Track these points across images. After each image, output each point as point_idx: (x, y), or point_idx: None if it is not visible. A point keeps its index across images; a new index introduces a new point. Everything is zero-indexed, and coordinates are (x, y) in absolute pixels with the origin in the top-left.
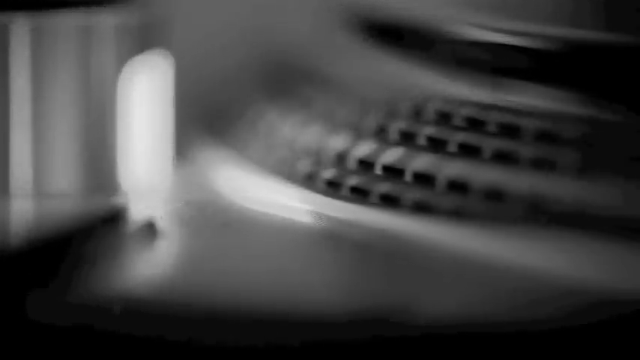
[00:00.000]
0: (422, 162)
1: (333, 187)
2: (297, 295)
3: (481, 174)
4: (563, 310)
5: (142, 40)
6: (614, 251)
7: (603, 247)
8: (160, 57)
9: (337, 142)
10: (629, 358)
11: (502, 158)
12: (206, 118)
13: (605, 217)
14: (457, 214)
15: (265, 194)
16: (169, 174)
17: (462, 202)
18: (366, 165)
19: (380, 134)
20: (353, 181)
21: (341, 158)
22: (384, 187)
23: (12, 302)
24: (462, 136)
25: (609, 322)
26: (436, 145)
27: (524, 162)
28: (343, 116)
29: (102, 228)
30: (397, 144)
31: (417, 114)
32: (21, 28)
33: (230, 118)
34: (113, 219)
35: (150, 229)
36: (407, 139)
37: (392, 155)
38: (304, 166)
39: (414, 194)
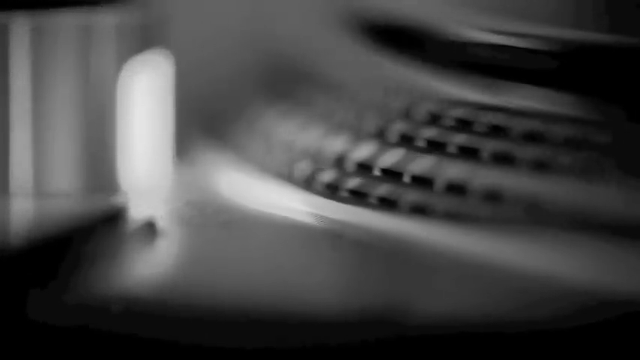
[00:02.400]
0: (421, 164)
1: (332, 189)
2: (296, 296)
3: (480, 176)
4: (562, 311)
5: (142, 40)
6: (613, 252)
7: (602, 248)
8: (160, 57)
9: (337, 143)
10: (629, 358)
11: (501, 160)
12: (206, 118)
13: (604, 218)
14: (456, 216)
15: (264, 195)
16: (169, 174)
17: (461, 204)
18: (365, 167)
19: (379, 136)
20: (352, 183)
21: (340, 160)
22: (383, 189)
23: (12, 302)
24: (461, 138)
25: (609, 323)
26: (435, 147)
27: (523, 164)
28: (343, 118)
29: (102, 228)
30: (396, 146)
31: (417, 116)
32: (21, 27)
33: (230, 119)
34: (113, 219)
35: (150, 229)
36: (406, 141)
37: (391, 157)
38: (303, 167)
39: (413, 196)
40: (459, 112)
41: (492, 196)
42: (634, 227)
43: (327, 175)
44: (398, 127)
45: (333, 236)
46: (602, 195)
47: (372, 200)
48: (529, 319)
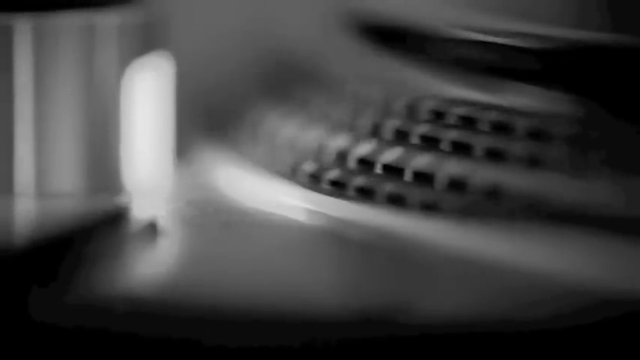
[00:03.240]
0: (422, 161)
1: (333, 187)
2: (298, 295)
3: (480, 173)
4: (562, 310)
5: (144, 41)
6: (613, 250)
7: (602, 245)
8: (161, 57)
9: (337, 142)
10: (629, 358)
11: (501, 157)
12: (207, 118)
13: (604, 215)
14: (458, 213)
15: (266, 194)
16: (171, 174)
17: (462, 201)
18: (366, 165)
19: (379, 134)
20: (354, 180)
21: (341, 158)
22: (385, 187)
23: (14, 302)
24: (459, 136)
25: (609, 321)
26: (435, 144)
27: (523, 161)
28: (343, 117)
29: (104, 228)
30: (396, 143)
31: (417, 114)
32: (23, 28)
33: (231, 119)
34: (115, 219)
35: (152, 229)
36: (406, 138)
37: (392, 155)
38: (305, 166)
39: (415, 193)
40: (456, 110)
41: (493, 194)
42: (633, 224)
43: (329, 174)
44: (397, 125)
45: (335, 235)
46: (602, 192)
47: (374, 198)
48: (530, 317)
